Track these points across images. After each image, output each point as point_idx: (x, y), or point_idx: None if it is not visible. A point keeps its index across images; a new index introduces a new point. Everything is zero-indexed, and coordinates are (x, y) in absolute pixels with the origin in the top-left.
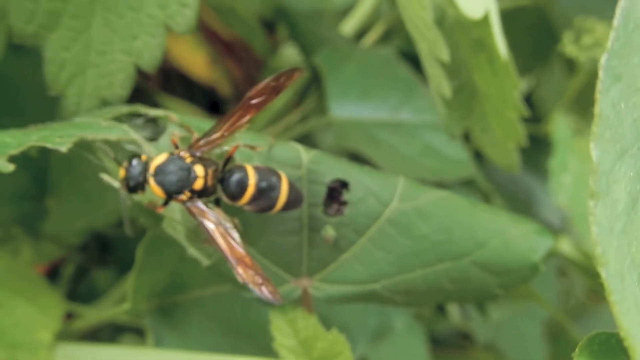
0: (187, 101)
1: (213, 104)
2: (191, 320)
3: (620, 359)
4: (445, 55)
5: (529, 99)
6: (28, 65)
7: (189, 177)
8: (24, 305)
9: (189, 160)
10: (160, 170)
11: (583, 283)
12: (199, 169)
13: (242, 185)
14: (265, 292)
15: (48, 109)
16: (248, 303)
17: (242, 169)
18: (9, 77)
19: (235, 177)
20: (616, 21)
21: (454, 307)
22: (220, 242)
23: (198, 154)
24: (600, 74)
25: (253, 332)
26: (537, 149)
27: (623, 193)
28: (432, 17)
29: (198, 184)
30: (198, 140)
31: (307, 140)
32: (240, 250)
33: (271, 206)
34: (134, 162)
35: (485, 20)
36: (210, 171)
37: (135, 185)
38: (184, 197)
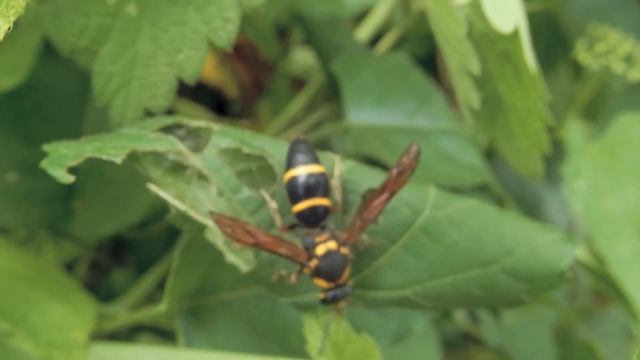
0: (194, 102)
1: (220, 106)
2: (219, 323)
3: None
4: (475, 68)
5: None
6: (60, 72)
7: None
8: (58, 305)
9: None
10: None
11: (588, 286)
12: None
13: None
14: None
15: (77, 115)
16: (274, 306)
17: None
18: (42, 83)
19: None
20: None
21: (460, 309)
22: None
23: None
24: None
25: (279, 335)
26: None
27: None
28: (465, 32)
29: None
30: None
31: (323, 145)
32: None
33: None
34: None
35: (515, 34)
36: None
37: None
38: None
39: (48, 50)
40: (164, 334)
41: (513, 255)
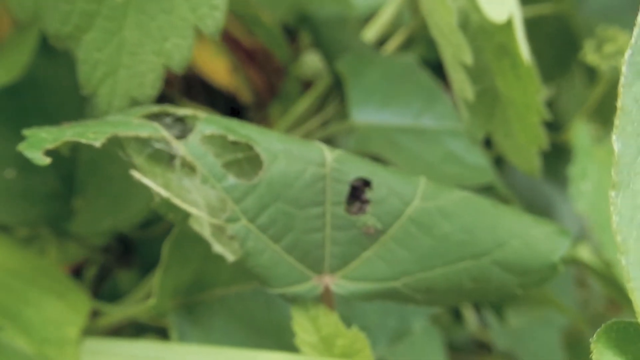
0: (208, 108)
1: (234, 111)
2: (214, 319)
3: (637, 346)
4: (468, 58)
5: (549, 108)
6: (58, 68)
7: None
8: (53, 302)
9: None
10: None
11: (601, 293)
12: None
13: None
14: None
15: (76, 111)
16: (270, 302)
17: None
18: (40, 80)
19: None
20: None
21: (471, 314)
22: None
23: None
24: (624, 69)
25: (276, 331)
26: (556, 157)
27: None
28: (457, 21)
29: None
30: None
31: (328, 144)
32: None
33: None
34: None
35: (508, 25)
36: None
37: None
38: None
39: (47, 46)
40: (166, 335)
41: (505, 247)
